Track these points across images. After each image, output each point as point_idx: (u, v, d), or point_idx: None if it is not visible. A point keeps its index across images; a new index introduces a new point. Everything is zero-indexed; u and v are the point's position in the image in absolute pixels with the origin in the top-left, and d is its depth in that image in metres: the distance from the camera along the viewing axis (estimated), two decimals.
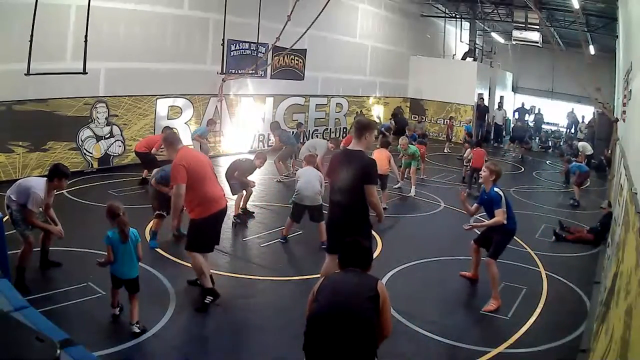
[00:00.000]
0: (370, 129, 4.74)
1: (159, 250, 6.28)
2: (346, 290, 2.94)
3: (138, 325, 4.37)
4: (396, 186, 10.49)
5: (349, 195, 4.55)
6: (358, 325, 2.84)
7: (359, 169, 4.51)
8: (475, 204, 5.89)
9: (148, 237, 6.45)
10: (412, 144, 11.51)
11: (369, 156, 4.89)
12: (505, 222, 5.43)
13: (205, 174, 4.95)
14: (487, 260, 5.49)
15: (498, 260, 5.55)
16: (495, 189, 5.51)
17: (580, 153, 14.73)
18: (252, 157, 8.10)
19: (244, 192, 7.88)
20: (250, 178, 7.87)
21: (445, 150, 16.88)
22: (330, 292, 2.95)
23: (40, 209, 5.17)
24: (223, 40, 11.52)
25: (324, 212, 7.04)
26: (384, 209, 8.86)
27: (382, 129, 17.38)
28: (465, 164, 12.33)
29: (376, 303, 2.91)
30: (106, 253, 4.39)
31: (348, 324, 2.83)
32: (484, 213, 5.86)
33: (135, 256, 4.47)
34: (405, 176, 10.84)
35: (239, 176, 7.63)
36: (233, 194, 7.91)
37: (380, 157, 8.70)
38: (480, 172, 9.46)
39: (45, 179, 5.23)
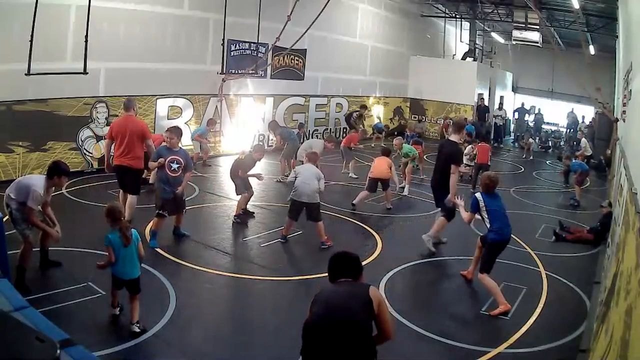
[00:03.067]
0: (463, 127, 7.57)
1: (159, 250, 6.28)
2: (339, 300, 2.97)
3: (138, 325, 4.38)
4: (400, 185, 10.50)
5: (442, 168, 7.10)
6: (353, 332, 2.86)
7: (449, 153, 7.11)
8: (470, 212, 5.74)
9: (148, 237, 6.44)
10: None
11: (459, 145, 7.28)
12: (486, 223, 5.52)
13: (118, 137, 6.97)
14: (479, 275, 5.49)
15: (498, 260, 5.55)
16: (476, 194, 5.60)
17: (581, 149, 14.76)
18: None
19: (247, 192, 7.88)
20: (255, 171, 7.92)
21: None
22: (323, 304, 2.97)
23: (39, 207, 5.16)
24: (223, 40, 11.52)
25: (322, 211, 7.08)
26: (389, 209, 8.96)
27: (376, 128, 17.44)
28: (465, 163, 12.30)
29: (370, 308, 2.93)
30: (106, 254, 4.39)
31: (343, 333, 2.84)
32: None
33: (137, 256, 4.47)
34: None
35: (242, 174, 7.66)
36: (237, 194, 7.92)
37: (381, 164, 8.95)
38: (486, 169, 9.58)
39: (45, 176, 5.22)
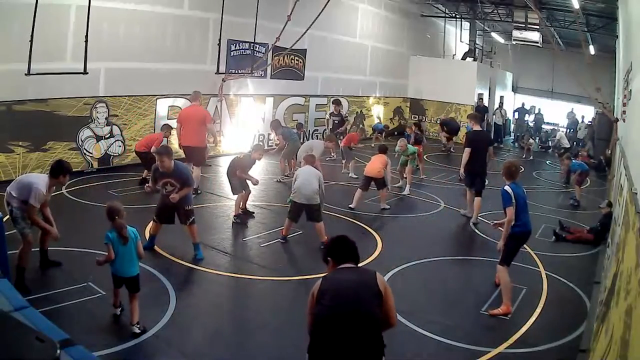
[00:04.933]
0: (478, 117, 9.52)
1: (159, 250, 6.28)
2: (349, 290, 2.93)
3: (138, 326, 4.38)
4: (396, 185, 10.48)
5: (483, 153, 8.60)
6: (366, 324, 2.84)
7: (489, 139, 9.37)
8: (508, 207, 5.34)
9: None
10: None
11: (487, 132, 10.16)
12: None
13: (183, 123, 8.99)
14: (498, 266, 5.41)
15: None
16: (505, 187, 5.31)
17: (556, 141, 14.84)
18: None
19: (244, 191, 7.88)
20: (252, 174, 7.88)
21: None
22: (334, 294, 2.92)
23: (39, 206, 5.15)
24: (219, 40, 11.51)
25: (322, 212, 7.09)
26: (385, 209, 8.96)
27: (376, 129, 17.43)
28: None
29: (379, 299, 2.92)
30: (106, 253, 4.39)
31: (356, 323, 2.82)
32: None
33: (136, 254, 4.48)
34: (404, 175, 10.87)
35: (240, 174, 7.64)
36: (234, 194, 7.92)
37: (375, 162, 8.92)
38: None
39: (47, 175, 5.21)
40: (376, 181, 8.87)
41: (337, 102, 13.98)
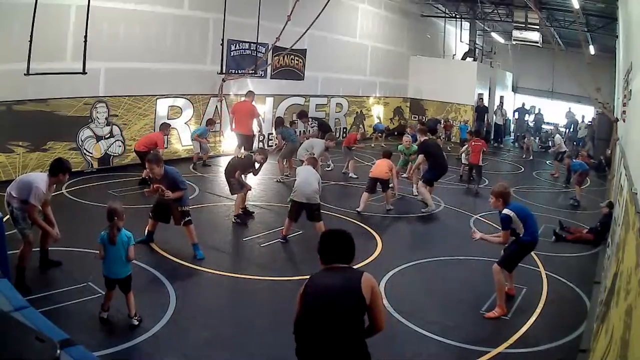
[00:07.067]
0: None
1: (159, 250, 6.28)
2: (330, 291, 2.85)
3: (137, 318, 4.40)
4: (416, 194, 10.22)
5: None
6: (344, 330, 2.79)
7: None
8: (505, 231, 5.32)
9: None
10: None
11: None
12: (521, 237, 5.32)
13: (235, 114, 11.20)
14: (494, 266, 5.37)
15: None
16: (505, 211, 5.26)
17: (556, 145, 14.86)
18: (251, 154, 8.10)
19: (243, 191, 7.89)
20: (249, 182, 7.89)
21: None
22: (313, 298, 2.87)
23: (40, 205, 5.14)
24: (222, 40, 11.52)
25: (322, 211, 7.09)
26: (389, 210, 8.94)
27: (377, 129, 17.43)
28: (463, 162, 12.27)
29: (362, 304, 2.82)
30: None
31: (334, 329, 2.78)
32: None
33: (125, 257, 4.45)
34: (404, 175, 10.86)
35: (239, 175, 7.64)
36: (232, 194, 7.91)
37: (381, 164, 8.96)
38: (478, 168, 9.73)
39: (47, 173, 5.20)
40: (382, 182, 8.87)
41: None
